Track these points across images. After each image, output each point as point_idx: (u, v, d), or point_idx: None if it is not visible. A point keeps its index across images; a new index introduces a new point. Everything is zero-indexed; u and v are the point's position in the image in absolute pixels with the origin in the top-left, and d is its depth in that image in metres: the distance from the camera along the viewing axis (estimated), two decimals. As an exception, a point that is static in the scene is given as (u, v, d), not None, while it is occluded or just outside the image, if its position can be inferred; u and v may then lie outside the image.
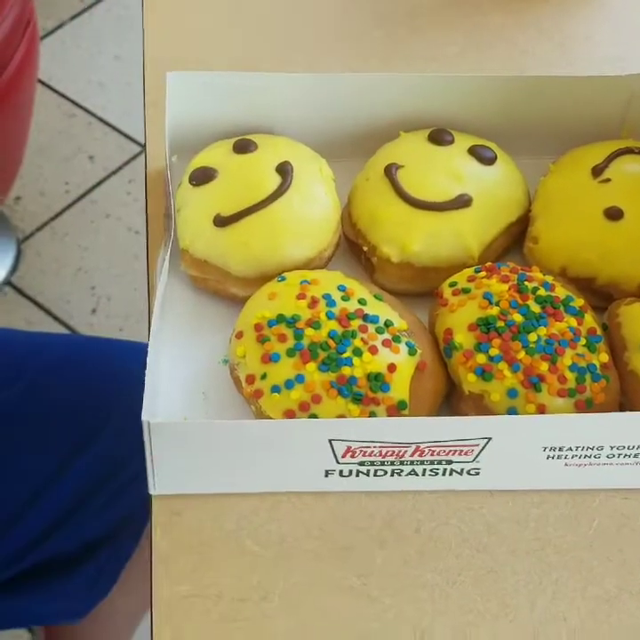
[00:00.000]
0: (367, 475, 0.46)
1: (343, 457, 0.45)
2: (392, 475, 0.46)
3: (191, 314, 0.54)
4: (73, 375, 0.78)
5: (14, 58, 1.24)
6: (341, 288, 0.49)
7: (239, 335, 0.49)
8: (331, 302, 0.48)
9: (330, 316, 0.48)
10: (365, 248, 0.54)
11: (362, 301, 0.49)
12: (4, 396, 0.75)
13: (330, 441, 0.44)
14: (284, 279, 0.50)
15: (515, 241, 0.55)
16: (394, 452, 0.45)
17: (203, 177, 0.54)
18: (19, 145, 1.39)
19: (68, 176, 1.54)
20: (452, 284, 0.50)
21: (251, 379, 0.47)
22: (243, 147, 0.55)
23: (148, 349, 0.45)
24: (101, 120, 1.65)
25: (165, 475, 0.46)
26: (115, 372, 0.78)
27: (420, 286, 0.53)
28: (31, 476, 0.73)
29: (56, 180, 1.53)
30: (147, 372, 0.44)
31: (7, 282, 1.34)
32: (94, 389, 0.77)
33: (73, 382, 0.77)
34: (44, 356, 0.80)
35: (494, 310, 0.48)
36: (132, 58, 1.84)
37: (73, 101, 1.65)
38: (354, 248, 0.55)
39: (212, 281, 0.53)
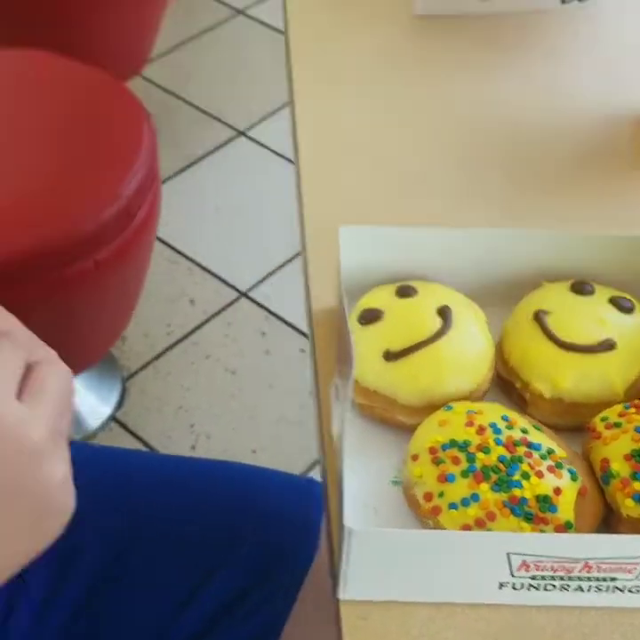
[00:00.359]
0: (537, 589, 0.51)
1: (518, 570, 0.50)
2: (560, 589, 0.51)
3: (358, 438, 0.59)
4: (205, 494, 0.84)
5: (140, 211, 1.35)
6: (505, 418, 0.55)
7: (415, 457, 0.54)
8: (496, 430, 0.54)
9: (498, 442, 0.53)
10: (518, 385, 0.60)
11: (524, 430, 0.54)
12: (143, 516, 0.81)
13: (508, 554, 0.49)
14: (451, 408, 0.56)
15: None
16: (564, 567, 0.49)
17: (371, 317, 0.60)
18: (136, 295, 1.49)
19: (170, 318, 1.63)
20: (604, 419, 0.56)
21: (428, 496, 0.52)
22: (405, 291, 0.61)
23: (343, 467, 0.50)
24: (201, 266, 1.75)
25: (357, 580, 0.50)
26: (243, 494, 0.84)
27: (570, 420, 0.58)
28: (173, 591, 0.78)
29: (159, 321, 1.62)
30: (344, 486, 0.49)
31: (113, 417, 1.41)
32: (226, 509, 0.82)
33: (206, 502, 0.83)
34: (174, 475, 0.86)
35: (647, 441, 0.53)
36: (230, 209, 1.97)
37: (175, 249, 1.76)
38: (505, 384, 0.61)
39: (380, 409, 0.59)
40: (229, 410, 1.46)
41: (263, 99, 2.22)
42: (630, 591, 0.51)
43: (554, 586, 0.51)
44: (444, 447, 0.53)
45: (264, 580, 0.76)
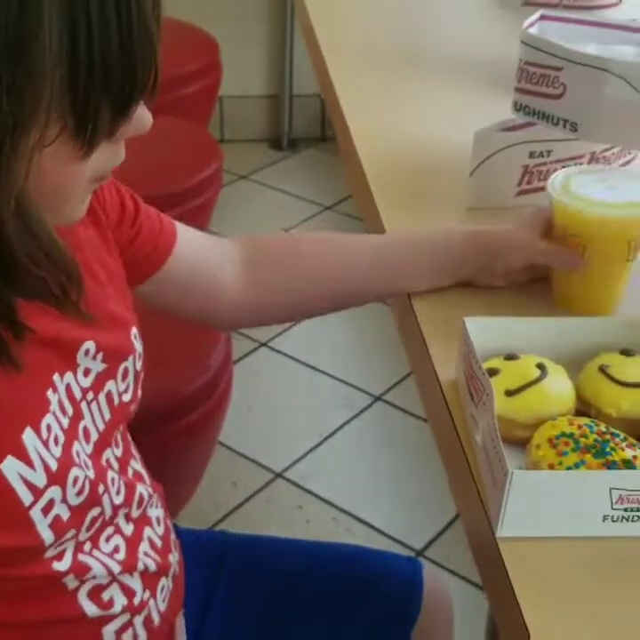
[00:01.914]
0: (628, 520, 0.78)
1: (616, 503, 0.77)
2: (644, 516, 0.78)
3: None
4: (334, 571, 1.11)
5: (222, 381, 1.64)
6: (592, 421, 0.84)
7: (537, 446, 0.83)
8: (589, 426, 0.83)
9: (592, 431, 0.82)
10: (593, 412, 0.89)
11: (606, 427, 0.83)
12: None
13: (610, 489, 0.77)
14: (556, 419, 0.85)
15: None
16: (646, 498, 0.77)
17: (492, 373, 0.90)
18: (210, 456, 1.75)
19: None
20: (657, 424, 0.86)
21: (551, 466, 0.80)
22: (511, 357, 0.92)
23: (502, 447, 0.79)
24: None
25: (512, 518, 0.77)
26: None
27: (631, 431, 0.87)
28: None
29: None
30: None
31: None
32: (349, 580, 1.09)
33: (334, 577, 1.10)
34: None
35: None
36: (264, 407, 2.30)
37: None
38: (581, 412, 0.90)
39: (503, 428, 0.87)
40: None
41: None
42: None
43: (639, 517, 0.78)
44: (557, 437, 0.82)
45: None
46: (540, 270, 1.06)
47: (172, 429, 1.57)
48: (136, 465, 0.94)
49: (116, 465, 0.88)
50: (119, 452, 0.89)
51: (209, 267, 1.04)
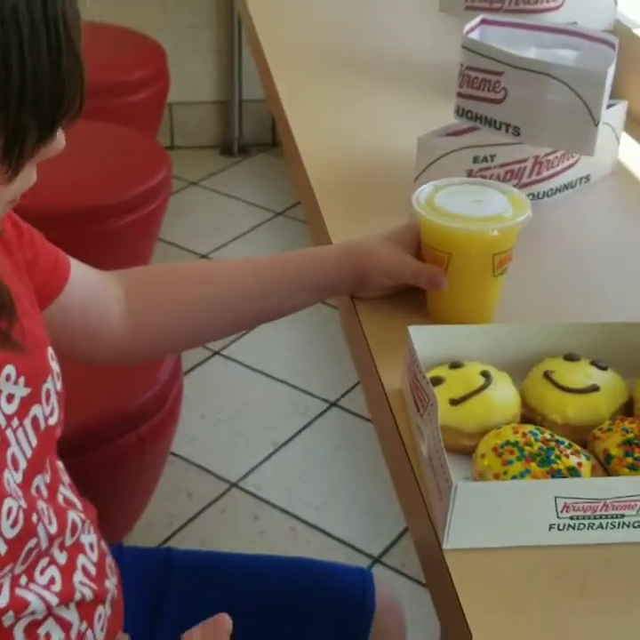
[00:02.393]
0: (573, 528, 0.77)
1: (562, 512, 0.76)
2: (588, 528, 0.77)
3: (435, 461, 0.86)
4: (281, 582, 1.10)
5: (171, 394, 1.62)
6: (537, 429, 0.83)
7: (483, 456, 0.82)
8: (534, 434, 0.82)
9: (536, 439, 0.81)
10: (538, 418, 0.88)
11: (551, 434, 0.83)
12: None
13: (555, 498, 0.76)
14: (501, 427, 0.84)
15: (629, 409, 0.90)
16: (591, 507, 0.76)
17: (436, 382, 0.89)
18: (161, 470, 1.74)
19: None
20: (600, 429, 0.85)
21: (496, 475, 0.79)
22: (455, 365, 0.91)
23: (447, 460, 0.78)
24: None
25: (458, 531, 0.76)
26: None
27: (576, 437, 0.87)
28: None
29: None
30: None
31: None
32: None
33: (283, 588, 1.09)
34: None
35: (630, 435, 0.82)
36: (218, 416, 2.27)
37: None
38: (526, 419, 0.90)
39: (448, 438, 0.86)
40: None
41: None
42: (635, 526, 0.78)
43: (584, 525, 0.77)
44: (502, 446, 0.81)
45: None
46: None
47: (122, 443, 1.55)
48: (65, 491, 0.91)
49: (45, 492, 0.86)
50: (48, 479, 0.87)
51: (100, 300, 1.02)
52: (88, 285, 1.00)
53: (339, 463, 2.20)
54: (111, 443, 1.55)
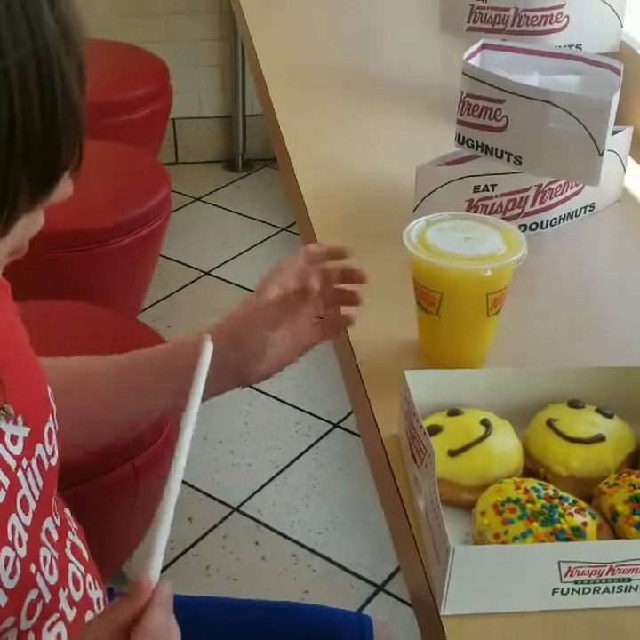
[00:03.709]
0: (578, 593, 0.73)
1: (565, 576, 0.73)
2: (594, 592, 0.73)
3: (433, 516, 0.82)
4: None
5: (167, 425, 1.58)
6: (540, 484, 0.79)
7: (482, 513, 0.78)
8: (536, 490, 0.78)
9: (539, 496, 0.77)
10: (542, 469, 0.84)
11: (554, 490, 0.79)
12: None
13: (558, 562, 0.72)
14: (502, 482, 0.80)
15: (636, 459, 0.86)
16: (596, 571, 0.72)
17: (434, 431, 0.85)
18: (149, 519, 1.69)
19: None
20: (606, 483, 0.81)
21: (497, 536, 0.76)
22: (454, 412, 0.87)
23: (444, 520, 0.74)
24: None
25: (457, 596, 0.72)
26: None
27: (581, 492, 0.83)
28: None
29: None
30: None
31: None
32: None
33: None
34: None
35: (638, 491, 0.78)
36: (219, 437, 2.24)
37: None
38: (530, 472, 0.86)
39: (447, 492, 0.82)
40: None
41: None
42: None
43: (589, 589, 0.73)
44: (502, 503, 0.77)
45: None
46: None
47: (118, 474, 1.52)
48: (74, 538, 0.89)
49: (55, 535, 0.83)
50: (58, 522, 0.85)
51: None
52: None
53: (342, 486, 2.16)
54: (107, 474, 1.52)
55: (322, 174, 1.36)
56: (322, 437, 2.28)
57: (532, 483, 0.80)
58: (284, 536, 2.03)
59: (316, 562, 1.98)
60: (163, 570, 1.88)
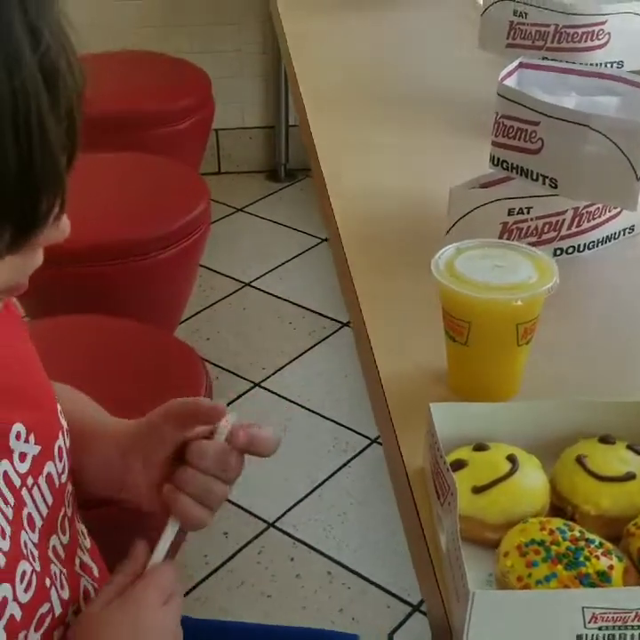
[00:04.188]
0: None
1: (589, 622, 0.70)
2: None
3: (456, 554, 0.80)
4: None
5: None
6: (566, 524, 0.77)
7: (506, 554, 0.76)
8: (562, 531, 0.76)
9: (564, 538, 0.75)
10: (569, 508, 0.82)
11: (580, 531, 0.76)
12: None
13: (582, 608, 0.70)
14: (527, 521, 0.78)
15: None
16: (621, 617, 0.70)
17: (458, 466, 0.83)
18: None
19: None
20: (635, 524, 0.78)
21: (520, 579, 0.74)
22: (480, 447, 0.85)
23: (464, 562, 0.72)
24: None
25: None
26: None
27: (610, 531, 0.80)
28: None
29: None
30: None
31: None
32: None
33: None
34: None
35: (668, 534, 0.76)
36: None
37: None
38: (557, 510, 0.83)
39: (471, 530, 0.80)
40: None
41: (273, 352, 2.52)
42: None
43: (614, 636, 0.71)
44: (526, 545, 0.75)
45: None
46: None
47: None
48: (84, 556, 0.88)
49: (62, 553, 0.82)
50: (66, 540, 0.84)
51: None
52: None
53: (378, 503, 2.14)
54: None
55: (356, 199, 1.35)
56: (359, 453, 2.26)
57: (557, 523, 0.77)
58: (320, 552, 2.01)
59: (351, 580, 1.96)
60: (196, 585, 1.88)
